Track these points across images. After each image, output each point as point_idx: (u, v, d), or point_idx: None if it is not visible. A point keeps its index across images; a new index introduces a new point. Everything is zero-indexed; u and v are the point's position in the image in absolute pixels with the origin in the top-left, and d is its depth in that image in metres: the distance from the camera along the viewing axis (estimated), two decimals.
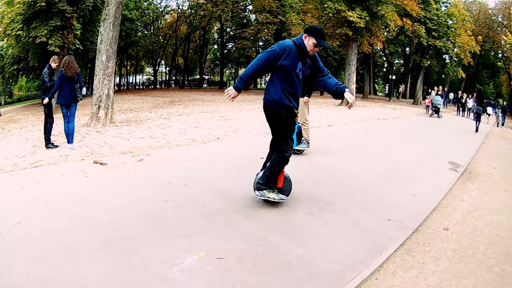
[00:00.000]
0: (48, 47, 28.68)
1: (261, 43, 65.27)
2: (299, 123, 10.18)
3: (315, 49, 6.05)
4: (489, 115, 36.24)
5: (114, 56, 16.35)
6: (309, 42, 5.96)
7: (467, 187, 9.46)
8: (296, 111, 6.37)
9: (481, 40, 56.26)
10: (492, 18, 68.98)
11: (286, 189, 6.64)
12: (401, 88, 63.21)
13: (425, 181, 9.23)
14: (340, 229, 5.81)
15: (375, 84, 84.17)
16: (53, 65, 11.51)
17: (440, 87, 31.21)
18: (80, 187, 7.06)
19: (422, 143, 15.36)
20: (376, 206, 6.94)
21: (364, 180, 8.63)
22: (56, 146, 11.40)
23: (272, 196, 6.32)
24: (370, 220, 6.23)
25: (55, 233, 5.12)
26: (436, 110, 29.75)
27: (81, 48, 34.63)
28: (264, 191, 6.33)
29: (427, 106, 33.40)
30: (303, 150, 10.64)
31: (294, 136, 9.02)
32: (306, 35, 5.97)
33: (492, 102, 50.24)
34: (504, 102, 42.01)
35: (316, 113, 23.22)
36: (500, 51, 69.52)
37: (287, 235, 5.43)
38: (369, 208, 6.71)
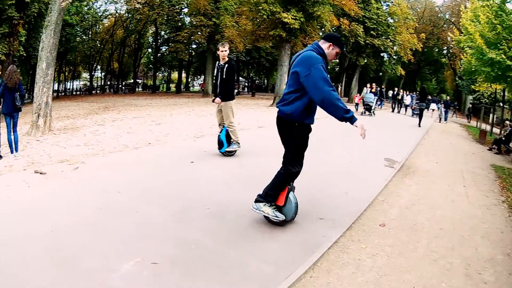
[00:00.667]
0: None
1: (194, 46, 65.33)
2: (225, 125, 10.50)
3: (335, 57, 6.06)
4: (433, 110, 37.41)
5: (53, 63, 16.11)
6: (333, 51, 5.89)
7: (404, 183, 9.63)
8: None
9: (424, 38, 57.47)
10: (439, 15, 70.39)
11: (287, 211, 6.07)
12: (339, 88, 63.98)
13: (359, 179, 9.35)
14: (272, 230, 5.85)
15: None
16: None
17: (374, 84, 30.95)
18: (23, 198, 6.97)
19: (357, 141, 14.32)
20: (308, 205, 6.94)
21: (296, 180, 8.16)
22: (0, 157, 11.12)
23: (267, 211, 5.93)
24: (302, 219, 6.26)
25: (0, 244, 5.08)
26: (368, 108, 29.37)
27: (25, 55, 34.41)
28: (261, 203, 6.00)
29: (357, 104, 33.79)
30: (235, 151, 10.79)
31: (223, 138, 10.34)
32: (331, 44, 5.85)
33: (436, 98, 51.94)
34: (448, 97, 42.44)
35: (246, 115, 23.42)
36: (445, 48, 70.98)
37: (220, 238, 5.50)
38: (301, 208, 6.45)
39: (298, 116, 5.73)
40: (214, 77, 9.22)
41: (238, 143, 10.62)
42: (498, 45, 15.30)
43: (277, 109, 5.96)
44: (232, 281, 4.48)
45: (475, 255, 5.84)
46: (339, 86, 63.77)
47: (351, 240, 5.77)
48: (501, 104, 31.61)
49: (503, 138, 19.42)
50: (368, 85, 31.04)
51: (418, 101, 27.88)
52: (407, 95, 39.18)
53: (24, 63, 41.45)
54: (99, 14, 68.93)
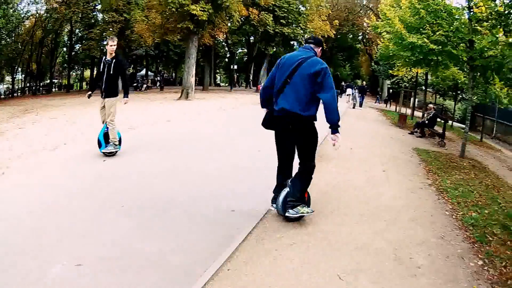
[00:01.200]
0: None
1: (105, 43, 64.33)
2: (106, 123, 10.30)
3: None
4: (348, 95, 37.37)
5: None
6: (320, 52, 6.37)
7: (319, 170, 8.76)
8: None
9: (337, 24, 58.11)
10: (356, 1, 71.19)
11: (308, 201, 6.35)
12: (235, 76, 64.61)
13: (270, 168, 8.42)
14: (186, 225, 5.82)
15: (217, 75, 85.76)
16: None
17: None
18: None
19: (266, 131, 14.84)
20: (220, 198, 6.99)
21: (206, 173, 8.70)
22: None
23: (305, 210, 6.00)
24: (215, 213, 6.32)
25: None
26: None
27: None
28: (299, 207, 5.94)
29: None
30: (115, 152, 10.32)
31: (101, 137, 10.14)
32: (321, 48, 6.42)
33: (351, 83, 52.25)
34: (363, 83, 42.59)
35: (155, 109, 23.24)
36: (360, 33, 72.36)
37: (139, 236, 5.42)
38: (213, 201, 6.76)
39: (315, 115, 6.07)
40: (97, 72, 8.87)
41: (116, 145, 10.30)
42: (421, 29, 15.35)
43: (289, 111, 5.91)
44: (152, 276, 4.45)
45: (404, 239, 5.89)
46: (235, 76, 63.69)
47: (266, 231, 5.75)
48: (424, 88, 31.94)
49: (426, 122, 19.62)
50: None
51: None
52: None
53: None
54: (22, 16, 66.72)
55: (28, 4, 62.33)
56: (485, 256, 5.71)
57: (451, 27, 14.06)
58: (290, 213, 5.89)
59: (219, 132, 15.05)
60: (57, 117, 20.42)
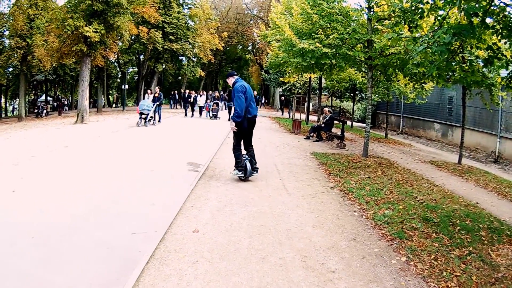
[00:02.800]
0: None
1: (10, 69, 62.13)
2: None
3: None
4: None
5: None
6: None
7: (211, 185, 9.51)
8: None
9: (226, 36, 58.93)
10: (246, 12, 72.01)
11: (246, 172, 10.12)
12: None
13: (163, 187, 9.19)
14: (89, 251, 5.53)
15: (109, 96, 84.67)
16: None
17: (157, 88, 28.72)
18: None
19: (157, 149, 15.15)
20: (117, 222, 6.76)
21: (100, 196, 8.33)
22: None
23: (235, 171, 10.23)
24: (114, 237, 6.07)
25: None
26: (145, 117, 26.22)
27: None
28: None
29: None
30: None
31: None
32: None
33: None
34: (255, 92, 42.19)
35: (51, 135, 21.92)
36: (250, 44, 72.74)
37: (47, 265, 5.10)
38: (111, 225, 6.54)
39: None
40: None
41: None
42: (313, 34, 15.40)
43: (255, 115, 10.22)
44: None
45: (310, 246, 5.89)
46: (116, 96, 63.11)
47: (168, 251, 5.63)
48: (318, 92, 32.08)
49: (323, 125, 19.76)
50: (149, 91, 29.47)
51: (208, 102, 32.31)
52: (200, 95, 36.33)
53: None
54: None
55: None
56: (408, 252, 5.79)
57: (347, 29, 14.26)
58: (232, 172, 10.31)
59: (115, 154, 14.18)
60: None
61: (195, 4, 50.26)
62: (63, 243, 5.76)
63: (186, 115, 35.34)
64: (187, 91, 37.54)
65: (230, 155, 12.73)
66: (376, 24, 14.16)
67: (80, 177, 10.08)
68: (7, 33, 49.53)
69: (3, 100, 72.46)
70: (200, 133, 20.87)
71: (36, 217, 6.88)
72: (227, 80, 10.45)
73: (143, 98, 36.97)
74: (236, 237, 6.05)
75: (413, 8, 7.57)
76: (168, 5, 45.84)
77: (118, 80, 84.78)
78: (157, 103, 25.21)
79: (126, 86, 55.49)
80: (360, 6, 14.52)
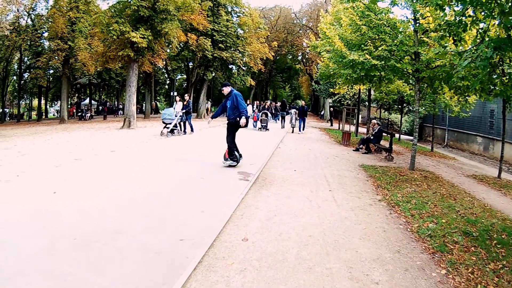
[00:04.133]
0: None
1: (51, 71, 63.13)
2: None
3: (222, 91, 12.71)
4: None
5: None
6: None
7: (262, 195, 9.57)
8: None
9: (276, 46, 58.44)
10: (294, 21, 71.60)
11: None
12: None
13: (214, 195, 9.28)
14: (134, 255, 5.64)
15: (158, 102, 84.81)
16: None
17: (186, 95, 26.58)
18: None
19: (207, 157, 15.20)
20: (166, 227, 6.85)
21: (150, 202, 8.52)
22: None
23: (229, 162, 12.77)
24: (162, 242, 6.15)
25: None
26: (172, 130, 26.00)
27: None
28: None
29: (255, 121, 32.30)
30: None
31: None
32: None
33: (294, 105, 52.96)
34: (302, 103, 41.49)
35: (98, 139, 22.46)
36: (299, 54, 72.40)
37: (89, 267, 5.22)
38: (160, 231, 6.64)
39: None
40: None
41: None
42: (363, 45, 15.45)
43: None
44: None
45: (356, 257, 5.96)
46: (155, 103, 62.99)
47: (216, 258, 5.70)
48: (367, 104, 32.11)
49: (371, 137, 19.72)
50: (178, 97, 29.19)
51: (266, 112, 30.12)
52: (247, 104, 32.62)
53: None
54: None
55: None
56: (448, 265, 5.85)
57: (395, 41, 14.26)
58: (225, 163, 12.82)
59: (163, 160, 14.47)
60: (9, 148, 19.72)
61: (243, 13, 49.85)
62: (107, 246, 5.91)
63: None
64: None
65: (281, 166, 13.86)
66: (422, 36, 14.19)
67: (126, 181, 10.39)
68: (46, 34, 50.89)
69: (43, 101, 73.80)
70: (248, 144, 20.60)
71: (78, 219, 7.14)
72: (224, 88, 13.06)
73: (205, 106, 37.03)
74: (284, 247, 6.12)
75: (456, 21, 7.66)
76: (217, 12, 45.63)
77: (166, 86, 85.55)
78: (184, 111, 24.24)
79: (175, 93, 55.62)
80: (407, 17, 14.52)
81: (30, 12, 50.78)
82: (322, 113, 55.21)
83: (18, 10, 44.34)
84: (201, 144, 19.79)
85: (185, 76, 73.99)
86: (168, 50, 46.86)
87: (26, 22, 52.64)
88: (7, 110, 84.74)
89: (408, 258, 5.99)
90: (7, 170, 12.47)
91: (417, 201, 9.45)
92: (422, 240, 6.88)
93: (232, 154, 12.80)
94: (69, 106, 52.69)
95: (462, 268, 5.72)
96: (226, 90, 12.93)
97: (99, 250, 5.74)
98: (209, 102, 54.51)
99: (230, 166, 12.80)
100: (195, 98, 59.90)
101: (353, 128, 32.48)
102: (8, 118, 77.01)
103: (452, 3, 7.97)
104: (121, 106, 63.92)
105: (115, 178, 10.81)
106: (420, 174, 13.57)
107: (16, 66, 69.88)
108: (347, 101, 39.43)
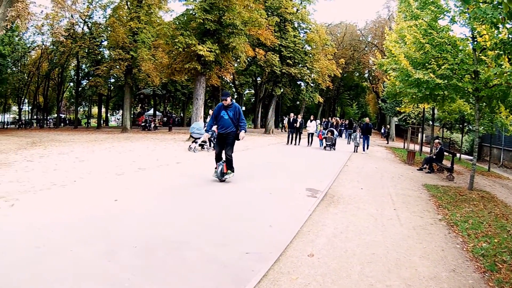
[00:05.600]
0: None
1: (112, 80, 65.49)
2: None
3: (223, 101, 12.32)
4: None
5: None
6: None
7: (329, 212, 9.61)
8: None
9: (343, 63, 57.95)
10: (360, 38, 71.72)
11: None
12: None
13: (282, 211, 9.30)
14: (199, 266, 5.70)
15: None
16: None
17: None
18: None
19: (276, 172, 15.56)
20: (232, 240, 6.92)
21: (217, 215, 8.66)
22: None
23: (231, 175, 12.52)
24: (228, 255, 6.20)
25: None
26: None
27: None
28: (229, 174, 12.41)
29: (321, 140, 30.17)
30: None
31: None
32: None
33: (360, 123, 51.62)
34: (367, 119, 40.98)
35: (164, 151, 22.87)
36: (366, 71, 72.22)
37: (150, 276, 5.32)
38: (225, 243, 6.70)
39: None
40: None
41: None
42: (427, 64, 15.54)
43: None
44: None
45: (415, 275, 5.99)
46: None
47: (281, 273, 5.70)
48: (431, 123, 32.03)
49: (434, 157, 19.71)
50: (210, 112, 28.90)
51: (332, 129, 28.89)
52: (311, 121, 32.15)
53: None
54: (28, 46, 67.48)
55: (34, 34, 62.96)
56: (495, 284, 5.92)
57: (456, 59, 14.24)
58: (225, 177, 12.27)
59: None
60: (65, 153, 20.47)
61: (310, 29, 49.45)
62: (170, 256, 6.01)
63: (288, 142, 32.01)
64: (292, 114, 33.63)
65: (349, 184, 13.99)
66: (480, 54, 14.05)
67: (192, 194, 10.69)
68: (105, 43, 52.39)
69: (103, 109, 74.26)
70: (316, 161, 21.15)
71: (139, 227, 7.39)
72: (226, 98, 12.35)
73: (273, 121, 37.14)
74: (349, 263, 6.20)
75: (510, 40, 7.75)
76: (284, 28, 45.59)
77: (234, 100, 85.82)
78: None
79: (243, 108, 56.02)
80: (465, 35, 14.57)
81: (86, 19, 52.15)
82: (382, 131, 54.63)
83: (72, 16, 44.02)
84: (277, 160, 20.04)
85: (253, 91, 74.60)
86: (236, 65, 47.63)
87: (83, 29, 53.98)
88: (62, 115, 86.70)
89: (461, 277, 6.09)
90: (63, 175, 12.96)
91: (474, 221, 9.51)
92: (475, 259, 6.94)
93: (232, 166, 12.55)
94: (132, 116, 53.23)
95: (507, 286, 5.83)
96: (229, 100, 12.42)
97: (162, 260, 5.89)
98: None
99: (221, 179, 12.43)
100: (263, 113, 60.11)
101: (417, 147, 32.36)
102: (62, 124, 78.89)
103: (505, 22, 8.07)
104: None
105: (181, 190, 11.09)
106: (477, 194, 13.57)
107: (73, 73, 71.53)
108: (412, 119, 39.32)
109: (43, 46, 66.10)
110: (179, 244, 6.52)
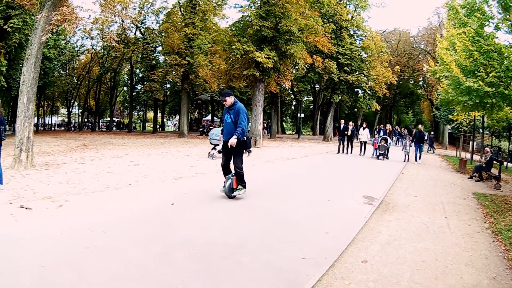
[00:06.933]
0: None
1: (168, 85, 66.46)
2: None
3: (223, 102, 10.68)
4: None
5: (34, 97, 15.99)
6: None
7: (384, 219, 9.75)
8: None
9: (399, 70, 57.74)
10: (414, 46, 70.90)
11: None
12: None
13: (338, 217, 9.44)
14: (254, 271, 5.82)
15: (283, 123, 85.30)
16: None
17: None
18: (11, 231, 7.08)
19: (334, 180, 15.77)
20: (288, 246, 7.01)
21: (275, 220, 8.81)
22: None
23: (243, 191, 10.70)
24: (284, 260, 6.30)
25: None
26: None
27: (5, 85, 34.38)
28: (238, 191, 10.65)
29: (375, 149, 27.94)
30: None
31: None
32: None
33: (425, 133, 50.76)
34: (420, 127, 40.03)
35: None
36: (420, 79, 71.28)
37: (204, 279, 5.44)
38: (281, 249, 6.79)
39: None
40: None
41: None
42: (476, 72, 15.45)
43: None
44: None
45: (460, 283, 6.07)
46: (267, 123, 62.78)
47: (335, 278, 5.82)
48: (481, 131, 31.94)
49: (484, 165, 19.82)
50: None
51: (385, 137, 27.16)
52: (363, 128, 30.42)
53: (5, 94, 41.20)
54: (76, 49, 68.97)
55: (82, 38, 64.34)
56: None
57: (502, 67, 14.24)
58: (234, 193, 10.54)
59: (288, 181, 14.95)
60: (119, 157, 21.08)
61: (366, 36, 49.59)
62: (226, 260, 6.15)
63: (339, 151, 29.83)
64: (342, 121, 31.37)
65: (404, 192, 14.06)
66: None
67: (250, 199, 10.87)
68: (159, 48, 53.13)
69: (159, 114, 75.59)
70: (372, 168, 21.24)
71: (196, 231, 7.60)
72: (226, 98, 10.54)
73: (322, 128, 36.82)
74: (399, 270, 6.33)
75: None
76: (340, 35, 45.57)
77: (292, 107, 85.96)
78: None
79: (302, 115, 55.78)
80: (509, 43, 14.47)
81: (139, 25, 52.96)
82: (426, 137, 54.12)
83: (123, 21, 45.72)
84: (335, 168, 20.06)
85: (311, 98, 74.80)
86: (294, 72, 47.56)
87: (135, 34, 54.94)
88: (115, 119, 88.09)
89: (500, 285, 6.22)
90: (117, 178, 13.53)
91: None
92: None
93: (243, 180, 10.61)
94: (189, 121, 53.66)
95: None
96: (229, 100, 10.54)
97: (217, 264, 6.02)
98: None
99: (231, 196, 10.69)
100: (322, 120, 60.13)
101: (468, 155, 32.05)
102: (115, 128, 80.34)
103: None
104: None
105: (236, 197, 11.00)
106: None
107: (126, 77, 73.35)
108: (463, 127, 39.01)
109: (93, 50, 67.62)
110: (235, 249, 6.69)
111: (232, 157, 10.57)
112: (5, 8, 29.26)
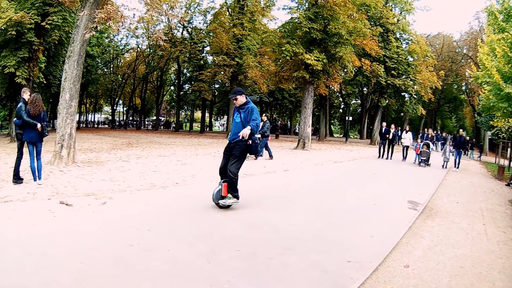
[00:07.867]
0: (15, 78, 28.37)
1: (217, 86, 66.58)
2: None
3: (234, 101, 9.70)
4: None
5: (77, 95, 16.42)
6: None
7: (427, 224, 9.92)
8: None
9: (443, 75, 57.28)
10: (457, 50, 70.58)
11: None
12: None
13: (384, 221, 9.66)
14: (300, 272, 5.97)
15: (331, 126, 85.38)
16: (26, 97, 11.71)
17: (264, 116, 22.16)
18: (49, 227, 7.25)
19: (380, 184, 16.03)
20: (335, 248, 7.20)
21: (322, 223, 9.02)
22: (22, 181, 11.45)
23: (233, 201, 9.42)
24: (329, 262, 6.46)
25: (27, 271, 5.31)
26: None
27: (45, 82, 34.47)
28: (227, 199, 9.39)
29: (417, 154, 26.46)
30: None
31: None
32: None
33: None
34: (461, 132, 39.83)
35: (279, 157, 24.02)
36: (463, 84, 70.83)
37: (251, 279, 5.61)
38: (328, 251, 6.98)
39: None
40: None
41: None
42: None
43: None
44: None
45: None
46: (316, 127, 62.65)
47: (378, 281, 5.98)
48: None
49: None
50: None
51: (428, 142, 26.14)
52: (406, 132, 29.37)
53: (44, 91, 41.09)
54: (120, 48, 70.00)
55: (127, 36, 65.56)
56: None
57: None
58: (221, 202, 9.37)
59: (336, 185, 15.02)
60: (166, 156, 21.75)
61: (411, 40, 49.70)
62: (272, 260, 6.30)
63: (380, 155, 29.19)
64: (384, 124, 30.28)
65: (446, 198, 14.19)
66: None
67: (298, 202, 11.07)
68: (207, 48, 53.40)
69: (207, 114, 75.78)
70: (415, 174, 20.95)
71: (243, 231, 7.78)
72: (237, 96, 9.61)
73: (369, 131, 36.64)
74: (438, 276, 6.42)
75: None
76: (387, 38, 47.18)
77: (341, 110, 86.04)
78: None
79: (350, 118, 55.90)
80: None
81: (186, 24, 53.51)
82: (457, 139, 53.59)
83: (169, 20, 45.02)
84: (370, 170, 20.55)
85: (359, 101, 75.06)
86: (343, 74, 47.88)
87: (182, 34, 55.58)
88: (162, 118, 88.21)
89: None
90: (164, 177, 13.90)
91: None
92: None
93: (235, 189, 9.45)
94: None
95: None
96: (240, 99, 9.62)
97: (264, 264, 6.15)
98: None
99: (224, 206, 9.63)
100: (369, 124, 60.32)
101: (507, 162, 32.01)
102: (162, 127, 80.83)
103: None
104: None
105: (286, 198, 11.48)
106: None
107: (173, 76, 73.61)
108: (503, 134, 39.03)
109: (139, 49, 68.29)
110: (283, 250, 6.82)
111: (230, 159, 9.49)
112: (42, 5, 29.11)
